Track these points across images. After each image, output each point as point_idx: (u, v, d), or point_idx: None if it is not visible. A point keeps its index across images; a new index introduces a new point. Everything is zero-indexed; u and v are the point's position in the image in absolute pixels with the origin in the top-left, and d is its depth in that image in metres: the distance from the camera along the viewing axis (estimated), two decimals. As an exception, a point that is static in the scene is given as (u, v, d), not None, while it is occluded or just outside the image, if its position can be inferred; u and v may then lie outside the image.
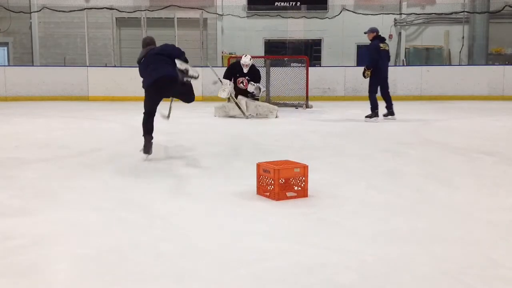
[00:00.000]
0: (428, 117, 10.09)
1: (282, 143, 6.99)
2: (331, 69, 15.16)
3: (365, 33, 9.59)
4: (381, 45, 9.31)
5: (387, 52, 9.57)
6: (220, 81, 9.84)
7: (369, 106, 9.36)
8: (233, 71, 10.35)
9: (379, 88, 9.41)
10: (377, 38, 9.36)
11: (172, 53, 6.14)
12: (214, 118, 10.08)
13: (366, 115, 9.38)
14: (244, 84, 10.11)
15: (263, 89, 10.41)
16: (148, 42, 6.42)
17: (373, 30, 9.44)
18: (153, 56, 6.13)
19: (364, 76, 9.35)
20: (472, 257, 2.79)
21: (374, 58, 9.20)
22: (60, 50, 16.85)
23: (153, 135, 5.93)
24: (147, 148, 5.75)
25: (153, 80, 5.93)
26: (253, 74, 10.23)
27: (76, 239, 3.09)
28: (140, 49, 6.42)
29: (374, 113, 9.31)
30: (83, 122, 9.53)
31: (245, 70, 10.16)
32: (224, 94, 9.86)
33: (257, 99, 10.21)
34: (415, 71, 15.01)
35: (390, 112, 9.54)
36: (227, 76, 10.16)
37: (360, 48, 17.36)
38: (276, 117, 10.09)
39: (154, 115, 6.12)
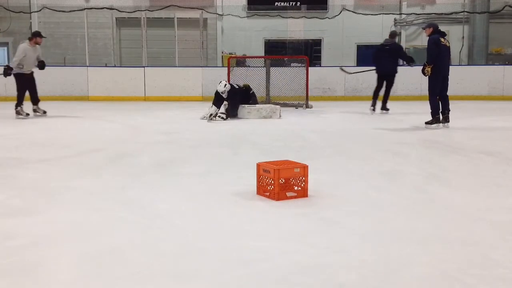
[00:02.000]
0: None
1: (282, 143, 6.99)
2: (331, 69, 15.16)
3: (423, 28, 8.97)
4: (442, 39, 8.61)
5: (448, 48, 8.90)
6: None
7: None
8: (217, 96, 10.14)
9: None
10: (437, 32, 8.64)
11: None
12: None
13: (426, 121, 8.55)
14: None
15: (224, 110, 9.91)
16: None
17: (430, 25, 8.79)
18: None
19: (424, 74, 8.65)
20: (472, 257, 2.79)
21: (433, 54, 8.45)
22: (60, 50, 16.85)
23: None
24: None
25: None
26: (233, 100, 9.97)
27: (76, 239, 3.09)
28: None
29: (435, 118, 8.47)
30: (83, 122, 9.53)
31: (224, 96, 9.96)
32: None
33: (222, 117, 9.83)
34: (415, 71, 14.99)
35: (445, 117, 8.65)
36: (216, 103, 10.03)
37: (360, 48, 17.37)
38: (280, 116, 10.10)
39: None
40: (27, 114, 10.15)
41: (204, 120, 9.86)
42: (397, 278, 2.52)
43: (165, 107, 12.27)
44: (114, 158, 5.84)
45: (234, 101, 10.08)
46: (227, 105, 9.86)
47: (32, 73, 10.39)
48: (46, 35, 16.94)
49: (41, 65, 10.38)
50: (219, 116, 9.77)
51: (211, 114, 9.85)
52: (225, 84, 10.18)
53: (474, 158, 5.87)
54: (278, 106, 10.50)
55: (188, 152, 6.28)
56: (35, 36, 10.22)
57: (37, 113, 10.43)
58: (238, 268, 2.64)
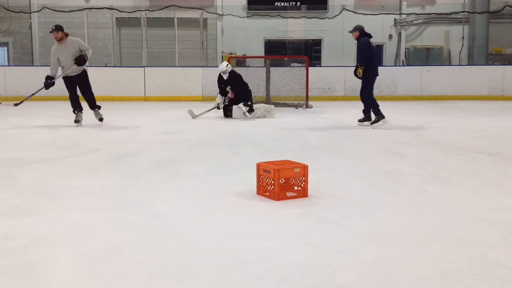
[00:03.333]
0: (428, 117, 10.10)
1: (282, 143, 6.99)
2: (331, 69, 15.17)
3: (350, 32, 8.90)
4: (371, 41, 8.72)
5: (376, 49, 8.95)
6: (218, 108, 10.16)
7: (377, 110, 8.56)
8: (219, 83, 10.32)
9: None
10: (364, 35, 8.69)
11: None
12: (214, 118, 10.08)
13: (371, 121, 8.61)
14: (230, 93, 10.06)
15: (252, 107, 10.07)
16: None
17: (356, 28, 8.76)
18: None
19: (357, 75, 8.66)
20: (472, 257, 2.79)
21: (366, 55, 8.56)
22: (60, 50, 16.83)
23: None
24: None
25: None
26: (235, 83, 10.05)
27: (76, 239, 3.09)
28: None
29: (380, 115, 8.52)
30: (83, 122, 9.52)
31: (225, 77, 10.06)
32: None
33: (251, 109, 10.01)
34: (415, 71, 15.02)
35: (368, 117, 8.77)
36: (220, 91, 10.27)
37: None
38: (274, 116, 10.10)
39: None
40: (76, 121, 8.83)
41: (212, 112, 10.15)
42: (397, 278, 2.52)
43: (165, 107, 12.28)
44: (114, 158, 5.84)
45: (237, 84, 10.10)
46: (246, 106, 9.94)
47: (78, 74, 8.90)
48: (46, 35, 17.07)
49: (78, 61, 8.60)
50: (248, 112, 9.89)
51: (218, 104, 10.12)
52: (227, 64, 10.27)
53: (474, 158, 5.87)
54: (272, 106, 10.44)
55: (188, 152, 6.28)
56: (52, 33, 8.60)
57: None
58: (238, 268, 2.64)
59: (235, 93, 10.00)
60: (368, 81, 8.76)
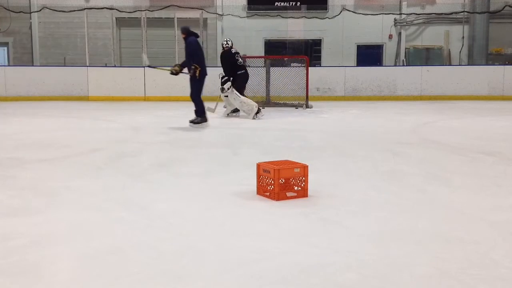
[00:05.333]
0: (428, 117, 10.09)
1: (282, 143, 6.99)
2: (331, 69, 15.17)
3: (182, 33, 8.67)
4: (198, 41, 8.62)
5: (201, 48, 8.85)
6: (153, 66, 10.01)
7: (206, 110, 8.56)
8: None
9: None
10: (192, 34, 8.58)
11: None
12: (214, 118, 10.08)
13: (191, 120, 8.47)
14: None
15: (226, 86, 10.08)
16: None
17: (183, 30, 8.65)
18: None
19: (196, 76, 8.39)
20: (472, 257, 2.79)
21: (199, 54, 8.41)
22: (60, 50, 16.86)
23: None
24: None
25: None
26: (222, 60, 10.67)
27: (76, 239, 3.09)
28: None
29: (203, 117, 8.47)
30: (83, 122, 9.53)
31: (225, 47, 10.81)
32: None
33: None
34: (415, 71, 15.01)
35: (204, 118, 8.59)
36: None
37: (360, 48, 17.38)
38: (254, 118, 9.76)
39: None
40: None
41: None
42: (397, 278, 2.52)
43: (165, 107, 12.27)
44: (114, 158, 5.84)
45: (222, 62, 10.53)
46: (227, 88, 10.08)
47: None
48: (46, 35, 17.14)
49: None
50: (221, 90, 10.11)
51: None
52: (226, 41, 10.68)
53: (474, 158, 5.87)
54: (255, 108, 9.91)
55: (188, 152, 6.28)
56: None
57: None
58: (238, 268, 2.64)
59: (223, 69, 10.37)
60: (199, 82, 8.55)
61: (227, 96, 10.23)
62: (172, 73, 8.84)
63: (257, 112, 9.87)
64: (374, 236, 3.14)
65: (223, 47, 10.87)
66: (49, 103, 12.73)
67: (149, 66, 9.77)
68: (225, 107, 10.54)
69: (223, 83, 10.10)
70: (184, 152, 6.27)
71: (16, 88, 14.19)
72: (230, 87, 10.03)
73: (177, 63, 8.63)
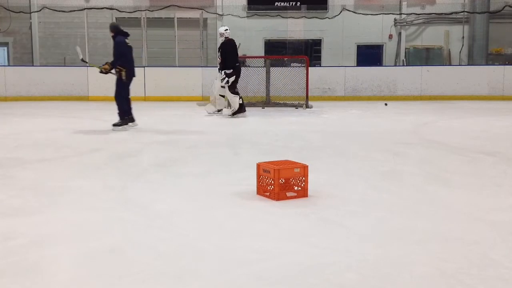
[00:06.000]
0: (428, 117, 10.10)
1: (282, 143, 6.99)
2: (331, 69, 15.17)
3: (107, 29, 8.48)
4: (127, 41, 8.39)
5: (132, 49, 8.65)
6: (85, 61, 9.59)
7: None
8: (218, 49, 10.66)
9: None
10: (121, 34, 8.42)
11: None
12: (214, 118, 10.09)
13: (114, 123, 8.32)
14: (219, 57, 10.37)
15: (230, 80, 10.09)
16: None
17: (111, 27, 8.56)
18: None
19: (121, 77, 8.30)
20: (472, 257, 2.79)
21: (127, 55, 8.25)
22: (60, 50, 16.85)
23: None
24: None
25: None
26: (224, 49, 10.26)
27: (76, 239, 3.09)
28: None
29: (125, 120, 8.37)
30: (83, 122, 9.53)
31: (221, 40, 10.50)
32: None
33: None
34: (415, 71, 15.01)
35: (131, 118, 8.51)
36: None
37: (360, 48, 17.38)
38: (230, 115, 10.05)
39: None
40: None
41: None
42: (397, 278, 2.52)
43: (165, 107, 12.27)
44: (114, 158, 5.84)
45: (226, 50, 10.20)
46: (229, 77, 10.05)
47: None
48: (46, 35, 17.13)
49: None
50: (226, 82, 10.03)
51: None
52: (226, 29, 10.57)
53: (474, 158, 5.87)
54: (235, 108, 10.06)
55: (188, 152, 6.28)
56: None
57: None
58: (238, 268, 2.64)
59: (222, 59, 10.20)
60: (125, 84, 8.45)
61: (223, 96, 10.30)
62: (101, 72, 8.57)
63: (239, 113, 10.04)
64: (374, 236, 3.14)
65: (224, 36, 10.38)
66: (49, 103, 12.73)
67: (82, 60, 9.56)
68: (228, 107, 10.57)
69: (229, 75, 10.02)
70: (184, 152, 6.27)
71: (16, 88, 14.19)
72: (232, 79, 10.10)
73: (108, 61, 8.45)
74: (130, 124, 8.43)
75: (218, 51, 10.50)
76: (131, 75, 8.39)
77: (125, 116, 8.38)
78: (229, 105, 10.47)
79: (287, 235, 3.17)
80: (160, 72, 14.64)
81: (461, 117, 10.34)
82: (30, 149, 6.47)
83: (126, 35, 8.42)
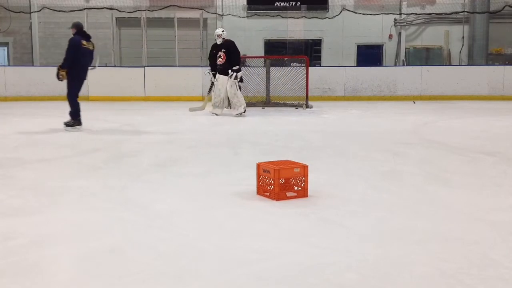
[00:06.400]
0: (428, 117, 10.10)
1: (282, 143, 6.99)
2: (331, 69, 15.17)
3: (68, 28, 8.45)
4: (84, 42, 8.27)
5: (91, 52, 8.49)
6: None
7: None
8: (211, 51, 10.76)
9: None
10: (80, 34, 8.33)
11: None
12: (214, 118, 10.10)
13: (65, 121, 8.28)
14: (222, 57, 10.41)
15: (239, 74, 10.40)
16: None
17: (73, 25, 8.39)
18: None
19: (59, 78, 8.34)
20: (472, 257, 2.79)
21: (70, 56, 8.19)
22: (60, 50, 16.75)
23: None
24: None
25: None
26: (227, 48, 10.38)
27: (76, 239, 3.09)
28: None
29: (77, 120, 8.32)
30: (83, 122, 9.53)
31: (219, 41, 10.48)
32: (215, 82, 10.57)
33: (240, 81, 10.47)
34: (415, 71, 15.02)
35: (78, 121, 8.36)
36: (210, 63, 10.76)
37: (360, 48, 17.38)
38: (239, 115, 10.20)
39: None
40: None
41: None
42: (397, 278, 2.52)
43: (165, 107, 12.27)
44: (114, 158, 5.84)
45: (230, 50, 10.35)
46: (236, 74, 10.22)
47: None
48: (46, 35, 17.13)
49: None
50: (235, 78, 10.21)
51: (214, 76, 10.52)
52: (223, 30, 10.66)
53: (474, 158, 5.87)
54: (243, 106, 10.33)
55: (188, 152, 6.28)
56: None
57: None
58: (238, 268, 2.64)
59: (226, 58, 10.30)
60: (71, 85, 8.43)
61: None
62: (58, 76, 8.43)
63: (243, 112, 10.29)
64: (374, 236, 3.14)
65: (222, 37, 10.50)
66: (49, 103, 12.73)
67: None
68: (228, 107, 10.64)
69: (237, 71, 10.25)
70: (184, 152, 6.27)
71: (16, 88, 14.19)
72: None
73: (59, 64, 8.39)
74: (77, 127, 8.29)
75: (218, 51, 10.53)
76: (79, 76, 8.42)
77: (77, 117, 8.37)
78: (229, 105, 10.51)
79: (287, 235, 3.17)
80: (160, 72, 14.64)
81: (461, 117, 10.34)
82: (30, 149, 6.47)
83: (86, 37, 8.39)
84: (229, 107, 10.55)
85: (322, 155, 6.04)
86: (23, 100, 13.76)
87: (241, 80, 10.61)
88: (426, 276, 2.54)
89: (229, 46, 10.40)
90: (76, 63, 8.22)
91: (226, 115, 10.38)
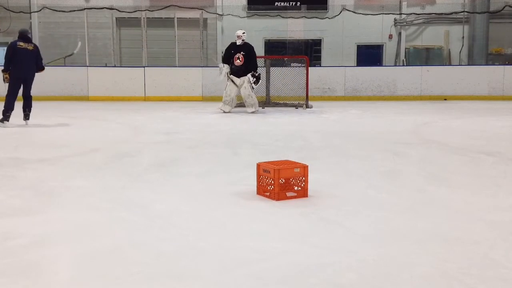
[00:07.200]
0: (428, 117, 10.10)
1: (282, 143, 6.99)
2: (331, 69, 15.17)
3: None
4: (20, 43, 8.68)
5: (30, 52, 8.79)
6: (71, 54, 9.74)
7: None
8: (229, 50, 10.96)
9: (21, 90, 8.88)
10: (19, 37, 8.81)
11: None
12: (214, 118, 10.10)
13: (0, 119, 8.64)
14: (240, 59, 10.62)
15: (259, 80, 10.82)
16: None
17: (19, 32, 8.95)
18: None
19: (4, 81, 8.75)
20: (472, 257, 2.79)
21: (7, 58, 8.67)
22: (60, 50, 16.84)
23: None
24: None
25: None
26: (248, 52, 10.66)
27: (76, 239, 3.09)
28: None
29: (6, 116, 8.66)
30: (83, 122, 9.53)
31: (238, 42, 10.74)
32: (220, 77, 10.84)
33: (256, 82, 10.73)
34: (415, 71, 15.02)
35: (26, 115, 8.91)
36: (225, 59, 10.92)
37: (360, 48, 17.38)
38: (252, 112, 10.74)
39: None
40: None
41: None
42: (397, 278, 2.52)
43: (165, 107, 12.27)
44: (114, 158, 5.84)
45: (250, 53, 10.65)
46: (254, 76, 10.58)
47: None
48: (46, 35, 17.13)
49: None
50: (255, 83, 10.60)
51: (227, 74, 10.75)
52: (244, 32, 10.89)
53: (474, 158, 5.87)
54: (256, 105, 10.97)
55: (188, 152, 6.27)
56: None
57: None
58: (238, 268, 2.64)
59: (244, 60, 10.56)
60: (10, 83, 8.81)
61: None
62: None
63: (256, 110, 10.84)
64: (374, 236, 3.14)
65: (242, 38, 10.85)
66: (49, 103, 12.72)
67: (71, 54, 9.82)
68: (248, 106, 10.97)
69: (259, 77, 10.71)
70: (184, 152, 6.27)
71: (16, 88, 14.15)
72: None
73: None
74: (5, 122, 8.68)
75: (233, 51, 10.80)
76: (18, 75, 8.76)
77: (7, 113, 8.68)
78: (238, 105, 11.06)
79: (287, 235, 3.17)
80: (160, 72, 14.64)
81: (461, 117, 10.34)
82: (30, 149, 6.47)
83: (25, 39, 8.82)
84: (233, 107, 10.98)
85: (322, 155, 6.04)
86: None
87: (256, 82, 10.84)
88: (426, 276, 2.54)
89: (250, 50, 10.75)
90: (14, 63, 8.67)
91: (233, 113, 10.66)
